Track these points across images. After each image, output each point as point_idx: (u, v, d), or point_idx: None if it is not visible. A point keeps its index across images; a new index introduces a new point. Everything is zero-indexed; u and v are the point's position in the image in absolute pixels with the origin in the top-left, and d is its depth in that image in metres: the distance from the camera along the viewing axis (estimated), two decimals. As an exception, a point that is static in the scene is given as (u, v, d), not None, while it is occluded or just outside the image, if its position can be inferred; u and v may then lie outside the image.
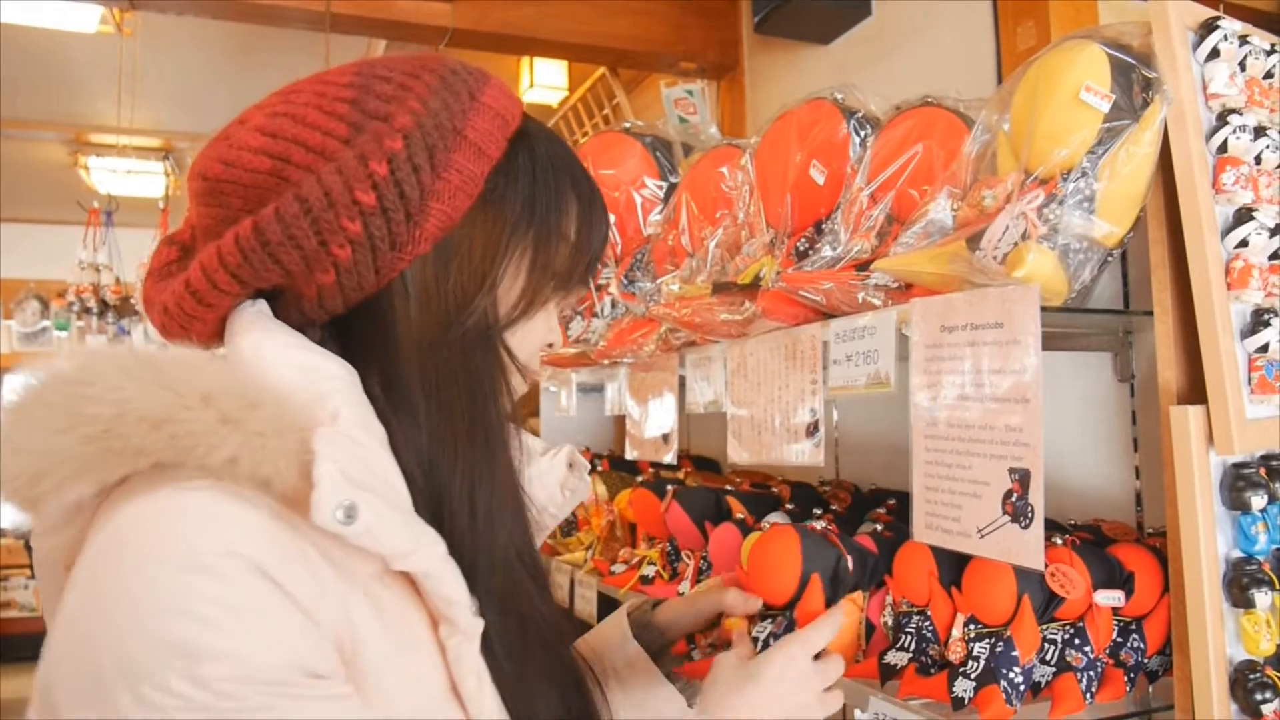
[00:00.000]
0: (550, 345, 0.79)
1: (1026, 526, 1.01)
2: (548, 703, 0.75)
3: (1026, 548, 1.02)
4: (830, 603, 1.24)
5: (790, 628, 1.21)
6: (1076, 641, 1.18)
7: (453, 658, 0.64)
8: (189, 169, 0.70)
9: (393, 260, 0.66)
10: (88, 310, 4.52)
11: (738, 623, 1.20)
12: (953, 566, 1.27)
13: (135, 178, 5.02)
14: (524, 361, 0.76)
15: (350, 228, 0.64)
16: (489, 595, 0.69)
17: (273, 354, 0.65)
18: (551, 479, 0.89)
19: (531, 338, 0.76)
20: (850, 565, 1.26)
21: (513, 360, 0.74)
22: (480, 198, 0.69)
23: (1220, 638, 1.03)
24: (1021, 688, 1.13)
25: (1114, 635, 1.20)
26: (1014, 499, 1.03)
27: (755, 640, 1.22)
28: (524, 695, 0.71)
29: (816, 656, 1.01)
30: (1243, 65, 1.12)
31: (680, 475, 2.22)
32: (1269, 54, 1.14)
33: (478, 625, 0.65)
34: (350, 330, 0.70)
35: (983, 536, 1.07)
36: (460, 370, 0.69)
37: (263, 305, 0.69)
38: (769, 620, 1.25)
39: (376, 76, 0.69)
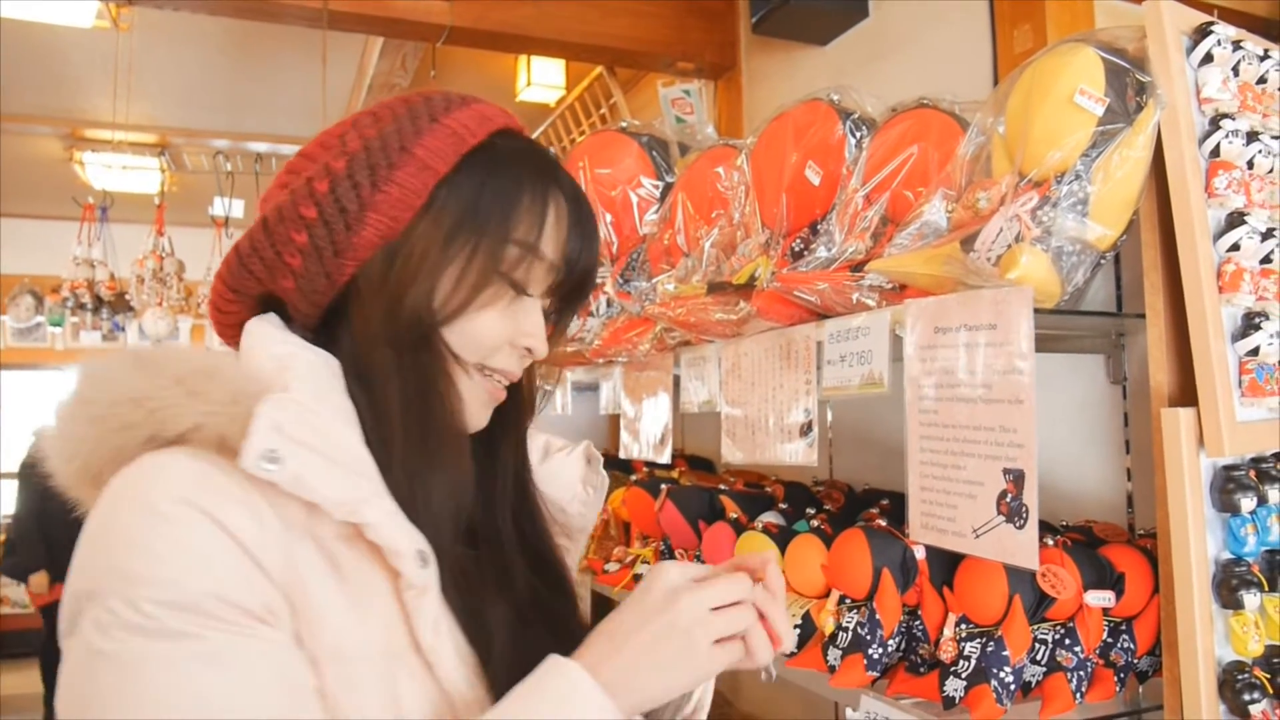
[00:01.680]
0: (530, 350, 0.80)
1: (1021, 526, 1.02)
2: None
3: (1021, 548, 1.02)
4: (903, 591, 1.27)
5: (873, 618, 1.25)
6: (1067, 641, 1.19)
7: (411, 610, 0.70)
8: None
9: (339, 265, 0.75)
10: (82, 306, 4.50)
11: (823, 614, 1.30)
12: (944, 567, 1.27)
13: (131, 173, 5.00)
14: (474, 360, 0.78)
15: (297, 239, 0.75)
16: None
17: (258, 346, 0.76)
18: (570, 476, 0.93)
19: (481, 337, 0.77)
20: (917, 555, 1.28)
21: (457, 360, 0.77)
22: (423, 207, 0.75)
23: (1209, 638, 1.03)
24: (1012, 687, 1.14)
25: (1104, 635, 1.21)
26: (1008, 499, 1.04)
27: (843, 629, 1.30)
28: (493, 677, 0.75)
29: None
30: (1236, 70, 1.12)
31: (674, 474, 2.22)
32: (1262, 59, 1.15)
33: (426, 576, 0.70)
34: (329, 330, 0.78)
35: (978, 537, 1.08)
36: (396, 366, 0.75)
37: (271, 315, 0.79)
38: (854, 610, 1.31)
39: (370, 112, 0.80)
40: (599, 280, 1.83)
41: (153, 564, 0.61)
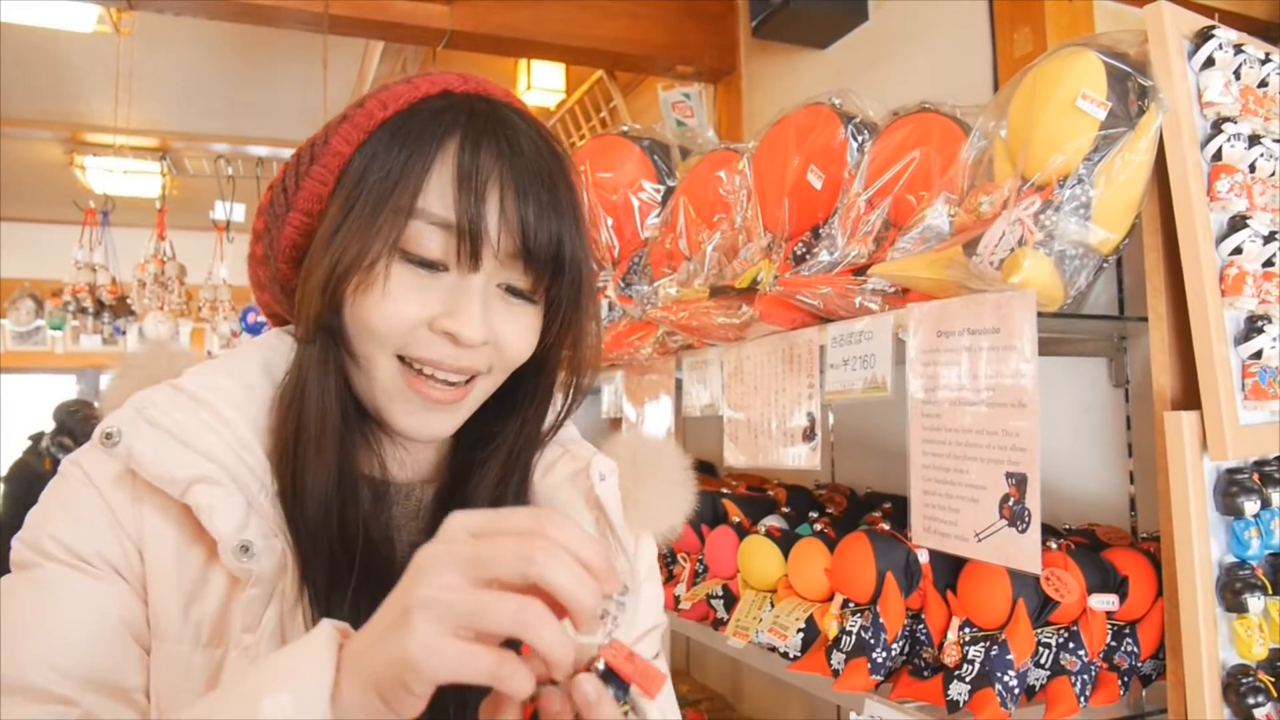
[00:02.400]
0: (452, 336, 0.70)
1: (1024, 530, 1.02)
2: None
3: (1024, 551, 1.02)
4: (907, 594, 1.27)
5: (876, 622, 1.24)
6: (1071, 645, 1.19)
7: (232, 602, 0.69)
8: None
9: (277, 268, 0.78)
10: (83, 310, 4.50)
11: None
12: (948, 570, 1.27)
13: (132, 178, 5.01)
14: (390, 348, 0.71)
15: (257, 249, 0.80)
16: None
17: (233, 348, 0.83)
18: (564, 499, 0.82)
19: (387, 319, 0.70)
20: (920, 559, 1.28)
21: (365, 349, 0.72)
22: (330, 195, 0.74)
23: (1213, 642, 1.03)
24: (1016, 691, 1.14)
25: (1108, 639, 1.20)
26: (1011, 503, 1.04)
27: (847, 633, 1.27)
28: None
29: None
30: (1237, 74, 1.12)
31: (676, 478, 2.22)
32: (1263, 63, 1.15)
33: (247, 569, 0.68)
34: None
35: (980, 540, 1.08)
36: (298, 358, 0.75)
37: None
38: (858, 614, 1.30)
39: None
40: (601, 284, 1.84)
41: (37, 514, 0.71)
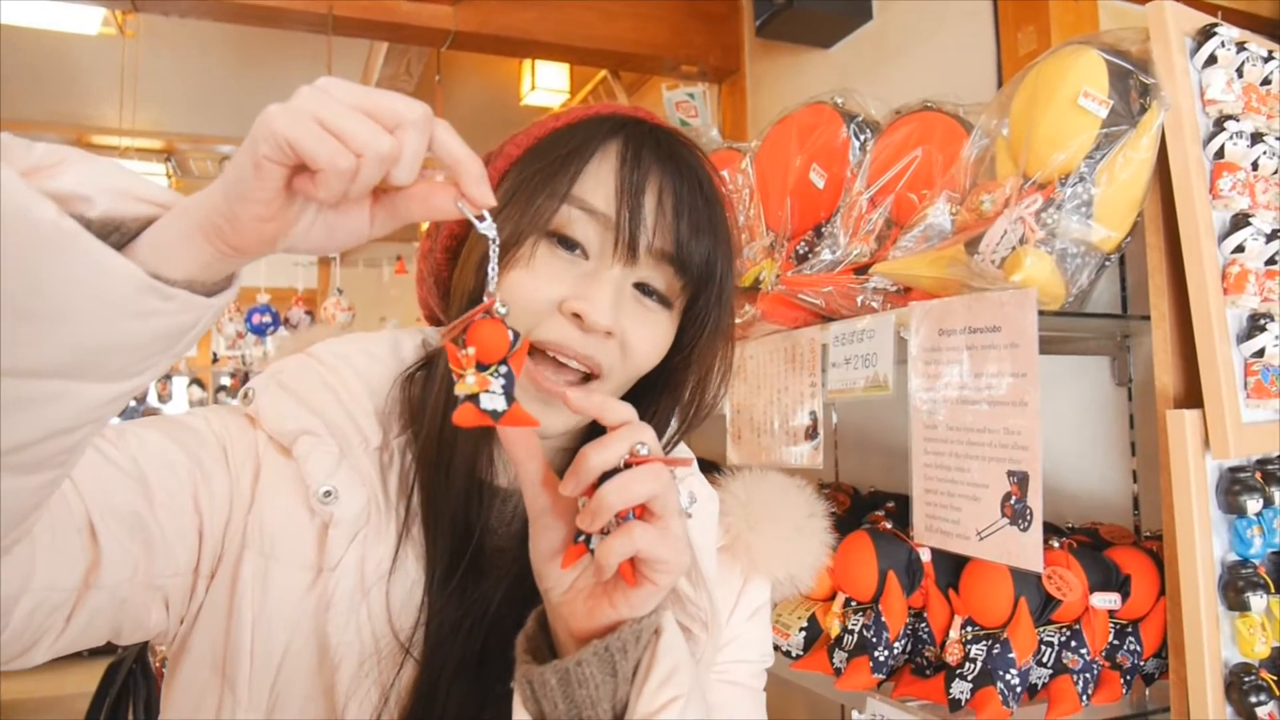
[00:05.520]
0: (580, 316, 0.70)
1: (1025, 529, 1.02)
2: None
3: (1025, 550, 1.02)
4: (909, 593, 1.27)
5: (878, 621, 1.25)
6: (1073, 644, 1.18)
7: (322, 538, 0.73)
8: None
9: (438, 258, 0.83)
10: (89, 311, 4.51)
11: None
12: (950, 569, 1.27)
13: (137, 179, 5.02)
14: (522, 328, 0.68)
15: (424, 244, 0.84)
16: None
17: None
18: None
19: (521, 295, 0.70)
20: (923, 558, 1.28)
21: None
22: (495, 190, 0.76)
23: (1215, 640, 1.03)
24: (1018, 689, 1.14)
25: (1110, 638, 1.20)
26: (1013, 501, 1.04)
27: (849, 631, 1.28)
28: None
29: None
30: (1240, 71, 1.12)
31: (680, 477, 2.22)
32: (1266, 60, 1.15)
33: (325, 510, 0.72)
34: None
35: (982, 539, 1.08)
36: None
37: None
38: (860, 613, 1.30)
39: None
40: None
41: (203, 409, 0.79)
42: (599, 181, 0.72)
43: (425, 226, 0.85)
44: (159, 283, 0.47)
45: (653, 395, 0.82)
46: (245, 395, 0.77)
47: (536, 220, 0.71)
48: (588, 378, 0.73)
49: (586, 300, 0.70)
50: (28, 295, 0.44)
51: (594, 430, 0.76)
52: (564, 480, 0.60)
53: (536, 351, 0.71)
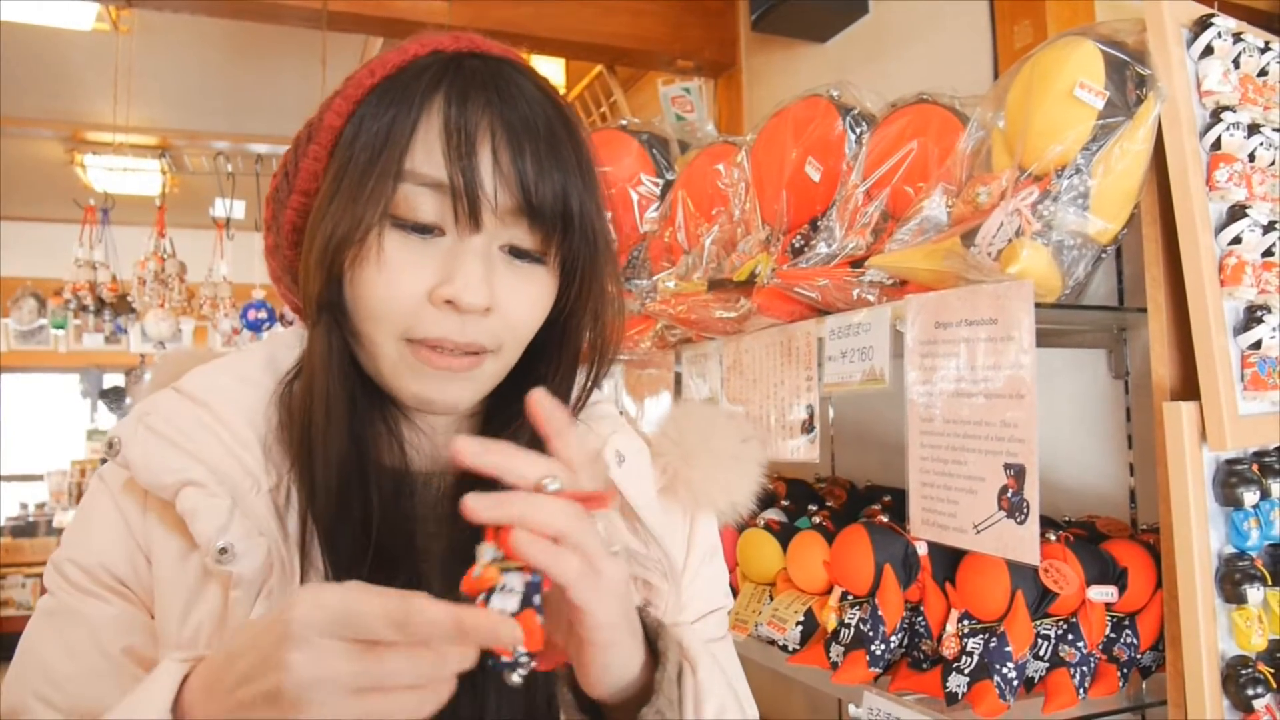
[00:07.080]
0: (452, 303, 0.65)
1: (1022, 522, 1.02)
2: None
3: (1022, 543, 1.02)
4: (906, 587, 1.26)
5: (875, 615, 1.24)
6: (1070, 637, 1.18)
7: (228, 604, 0.67)
8: None
9: (282, 257, 0.76)
10: (84, 308, 4.50)
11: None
12: (946, 563, 1.27)
13: (132, 175, 5.00)
14: (395, 332, 0.67)
15: (268, 240, 0.77)
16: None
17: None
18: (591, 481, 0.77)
19: (388, 295, 0.66)
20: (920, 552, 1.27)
21: (366, 329, 0.68)
22: (323, 171, 0.71)
23: (1212, 633, 1.03)
24: (1015, 683, 1.14)
25: (1107, 630, 1.20)
26: (1009, 494, 1.04)
27: (845, 625, 1.26)
28: None
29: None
30: (1236, 63, 1.12)
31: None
32: (1263, 51, 1.15)
33: (222, 571, 0.66)
34: None
35: (979, 532, 1.08)
36: (306, 348, 0.73)
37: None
38: (857, 607, 1.30)
39: None
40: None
41: (67, 530, 0.74)
42: (429, 146, 0.65)
43: (265, 216, 0.77)
44: None
45: (551, 351, 0.77)
46: (109, 446, 0.69)
47: (374, 207, 0.65)
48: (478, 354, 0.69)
49: (454, 284, 0.65)
50: None
51: (501, 393, 0.74)
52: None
53: (417, 341, 0.67)
